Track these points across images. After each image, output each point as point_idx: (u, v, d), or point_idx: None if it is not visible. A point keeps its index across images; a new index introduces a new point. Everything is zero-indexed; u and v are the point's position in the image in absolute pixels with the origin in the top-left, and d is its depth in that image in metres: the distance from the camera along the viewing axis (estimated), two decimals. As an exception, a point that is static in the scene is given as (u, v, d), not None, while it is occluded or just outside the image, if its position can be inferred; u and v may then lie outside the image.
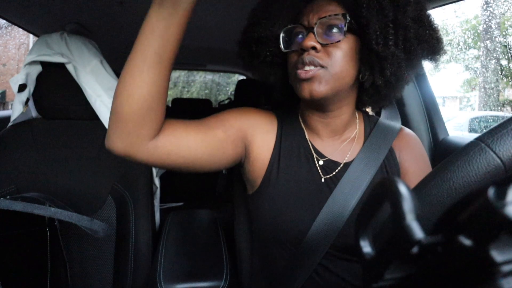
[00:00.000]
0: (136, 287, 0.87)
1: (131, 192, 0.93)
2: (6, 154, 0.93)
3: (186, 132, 0.54)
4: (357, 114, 0.65)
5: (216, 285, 0.71)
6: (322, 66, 0.53)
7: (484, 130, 0.31)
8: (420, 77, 1.05)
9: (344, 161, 0.61)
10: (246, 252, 0.80)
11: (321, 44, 0.53)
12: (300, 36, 0.56)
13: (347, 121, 0.62)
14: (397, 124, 0.66)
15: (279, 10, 0.57)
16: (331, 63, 0.53)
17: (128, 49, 0.46)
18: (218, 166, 0.58)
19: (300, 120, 0.65)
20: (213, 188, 2.18)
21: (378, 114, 0.73)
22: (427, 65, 0.60)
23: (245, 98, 1.93)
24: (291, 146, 0.62)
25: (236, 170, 0.82)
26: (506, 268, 0.18)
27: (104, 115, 0.95)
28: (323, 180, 0.59)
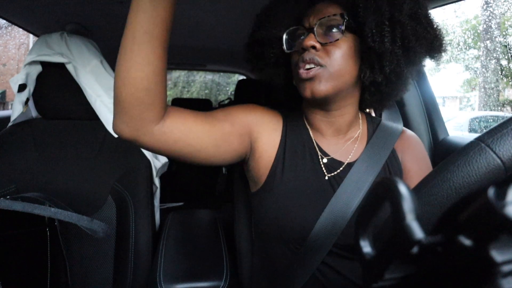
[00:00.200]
0: (136, 287, 0.87)
1: (131, 192, 0.93)
2: (6, 154, 0.93)
3: (195, 121, 0.54)
4: (360, 115, 0.67)
5: (216, 285, 0.71)
6: (321, 65, 0.54)
7: (484, 130, 0.31)
8: (420, 77, 1.05)
9: (347, 161, 0.61)
10: (246, 252, 0.80)
11: (320, 43, 0.55)
12: (302, 37, 0.58)
13: (351, 121, 0.63)
14: (399, 125, 0.67)
15: (282, 13, 0.60)
16: (330, 61, 0.54)
17: (128, 49, 0.46)
18: (222, 160, 0.59)
19: (304, 119, 0.66)
20: (213, 188, 2.18)
21: (380, 116, 0.73)
22: (427, 64, 0.61)
23: (245, 98, 1.93)
24: (296, 144, 0.63)
25: (237, 169, 0.82)
26: (506, 268, 0.18)
27: (104, 115, 0.95)
28: (326, 178, 0.60)
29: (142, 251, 0.90)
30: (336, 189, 0.58)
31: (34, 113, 1.04)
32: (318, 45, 0.54)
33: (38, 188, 0.90)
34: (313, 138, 0.64)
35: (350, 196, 0.56)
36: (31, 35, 1.44)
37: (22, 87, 0.94)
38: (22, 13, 1.11)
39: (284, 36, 0.59)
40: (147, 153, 0.98)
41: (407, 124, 1.05)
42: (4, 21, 1.14)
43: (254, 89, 1.91)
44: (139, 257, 0.89)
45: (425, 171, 0.62)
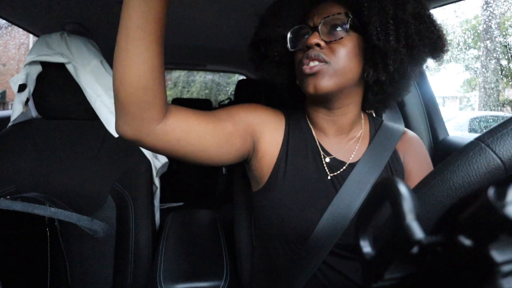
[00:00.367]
0: (136, 287, 0.87)
1: (131, 192, 0.93)
2: (6, 154, 0.93)
3: (197, 120, 0.53)
4: (362, 115, 0.67)
5: (216, 285, 0.71)
6: (326, 62, 0.55)
7: (484, 130, 0.31)
8: (420, 77, 1.05)
9: (349, 161, 0.61)
10: (246, 252, 0.80)
11: (325, 41, 0.55)
12: (306, 36, 0.59)
13: (353, 120, 0.63)
14: (400, 126, 0.68)
15: (286, 12, 0.60)
16: (334, 59, 0.55)
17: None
18: (225, 160, 0.58)
19: (307, 118, 0.67)
20: (213, 188, 2.18)
21: (381, 117, 0.74)
22: (429, 64, 0.61)
23: (245, 98, 1.93)
24: (299, 144, 0.63)
25: (238, 169, 0.82)
26: (506, 268, 0.18)
27: (104, 115, 0.95)
28: (329, 177, 0.60)
29: (142, 251, 0.90)
30: (338, 189, 0.58)
31: (34, 113, 1.04)
32: (322, 43, 0.55)
33: (38, 188, 0.90)
34: (315, 137, 0.64)
35: (352, 196, 0.56)
36: (31, 35, 1.44)
37: (22, 87, 0.94)
38: (22, 13, 1.11)
39: (289, 35, 0.60)
40: (147, 153, 0.98)
41: (407, 124, 1.05)
42: (4, 21, 1.14)
43: (254, 89, 1.91)
44: (139, 257, 0.89)
45: (426, 171, 0.62)
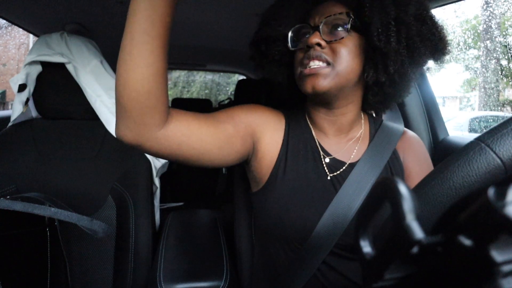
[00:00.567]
0: (136, 287, 0.87)
1: (131, 192, 0.93)
2: (6, 154, 0.93)
3: (198, 123, 0.53)
4: (362, 115, 0.67)
5: (216, 285, 0.71)
6: (328, 62, 0.55)
7: (484, 130, 0.31)
8: (421, 77, 1.05)
9: (349, 161, 0.61)
10: (246, 252, 0.80)
11: (326, 41, 0.55)
12: (307, 35, 0.58)
13: (353, 120, 0.63)
14: (400, 126, 0.67)
15: (287, 11, 0.60)
16: (336, 59, 0.55)
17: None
18: (226, 161, 0.58)
19: (307, 119, 0.67)
20: (213, 188, 2.18)
21: (381, 117, 0.74)
22: (430, 65, 0.61)
23: (245, 98, 1.92)
24: (298, 144, 0.63)
25: (237, 169, 0.82)
26: (506, 268, 0.18)
27: (104, 115, 0.95)
28: (329, 178, 0.60)
29: (142, 251, 0.90)
30: (338, 189, 0.58)
31: (34, 113, 1.04)
32: (323, 43, 0.55)
33: (38, 188, 0.90)
34: (315, 138, 0.64)
35: (352, 196, 0.56)
36: (31, 35, 1.44)
37: (22, 87, 0.94)
38: (22, 13, 1.11)
39: (290, 34, 0.60)
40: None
41: (407, 124, 1.05)
42: (4, 21, 1.14)
43: (254, 89, 1.90)
44: (139, 257, 0.89)
45: (426, 171, 0.62)
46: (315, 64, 0.55)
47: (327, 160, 0.61)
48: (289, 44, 0.60)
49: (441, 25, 0.56)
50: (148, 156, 0.98)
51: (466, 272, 0.20)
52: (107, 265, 0.91)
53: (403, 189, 0.21)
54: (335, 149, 0.63)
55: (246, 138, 0.60)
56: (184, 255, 0.81)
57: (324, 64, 0.55)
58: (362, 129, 0.65)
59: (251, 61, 0.69)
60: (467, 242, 0.19)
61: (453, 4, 0.88)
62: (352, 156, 0.62)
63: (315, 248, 0.56)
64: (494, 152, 0.29)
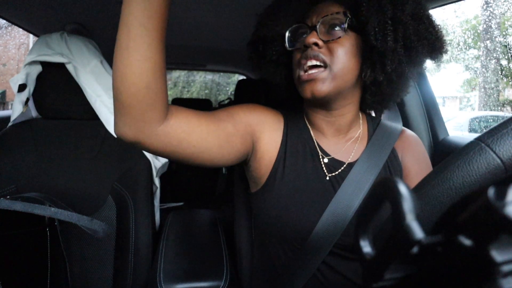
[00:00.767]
0: (136, 287, 0.87)
1: (131, 192, 0.93)
2: (6, 154, 0.93)
3: (198, 121, 0.53)
4: (360, 115, 0.67)
5: (216, 285, 0.71)
6: (325, 63, 0.55)
7: (484, 130, 0.31)
8: (420, 77, 1.05)
9: (348, 161, 0.61)
10: (246, 252, 0.80)
11: (323, 40, 0.55)
12: (304, 35, 0.58)
13: (351, 121, 0.63)
14: (398, 125, 0.67)
15: (284, 12, 0.60)
16: (333, 59, 0.55)
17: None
18: (225, 161, 0.58)
19: (305, 119, 0.66)
20: (213, 188, 2.18)
21: (380, 116, 0.73)
22: (428, 64, 0.61)
23: (245, 98, 1.92)
24: (297, 144, 0.63)
25: (237, 169, 0.82)
26: (506, 268, 0.18)
27: (104, 115, 0.95)
28: (327, 178, 0.60)
29: (142, 251, 0.90)
30: (337, 189, 0.58)
31: (34, 113, 1.04)
32: (320, 42, 0.55)
33: (38, 188, 0.90)
34: (314, 138, 0.64)
35: (351, 196, 0.56)
36: (31, 35, 1.44)
37: (22, 87, 0.94)
38: (22, 13, 1.11)
39: (287, 34, 0.59)
40: (147, 153, 0.98)
41: (407, 124, 1.05)
42: (4, 21, 1.14)
43: (254, 89, 1.91)
44: (139, 257, 0.89)
45: (425, 170, 0.62)
46: (312, 63, 0.55)
47: (325, 160, 0.62)
48: (287, 44, 0.60)
49: (438, 24, 0.56)
50: (148, 156, 0.98)
51: (466, 272, 0.20)
52: (107, 265, 0.91)
53: (403, 189, 0.21)
54: (333, 149, 0.63)
55: (245, 137, 0.60)
56: (184, 255, 0.81)
57: (322, 68, 0.55)
58: (361, 129, 0.65)
59: (249, 61, 0.69)
60: (467, 242, 0.19)
61: (453, 4, 0.88)
62: (350, 156, 0.62)
63: (314, 248, 0.56)
64: (494, 152, 0.29)
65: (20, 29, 1.23)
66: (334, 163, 0.61)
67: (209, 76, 5.88)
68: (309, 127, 0.65)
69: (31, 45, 2.04)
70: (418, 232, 0.20)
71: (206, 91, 6.12)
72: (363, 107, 0.67)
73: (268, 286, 0.66)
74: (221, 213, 1.43)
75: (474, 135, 0.33)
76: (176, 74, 5.93)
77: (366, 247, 0.25)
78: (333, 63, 0.55)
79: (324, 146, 0.63)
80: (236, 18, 1.15)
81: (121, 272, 0.89)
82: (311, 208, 0.57)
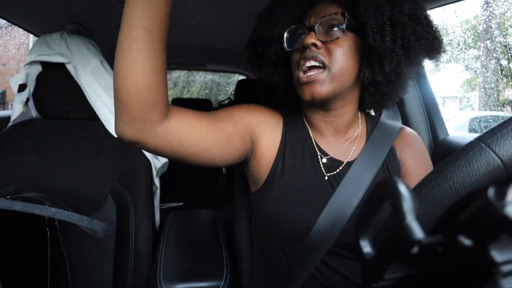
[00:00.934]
0: (136, 287, 0.87)
1: (131, 192, 0.93)
2: (6, 154, 0.93)
3: (199, 121, 0.53)
4: (359, 115, 0.67)
5: (216, 285, 0.71)
6: (323, 64, 0.55)
7: (484, 130, 0.31)
8: (420, 77, 1.05)
9: (347, 160, 0.62)
10: (246, 252, 0.80)
11: (321, 41, 0.55)
12: (303, 36, 0.58)
13: (350, 121, 0.63)
14: (397, 123, 0.67)
15: (283, 12, 0.60)
16: (332, 60, 0.55)
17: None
18: (225, 160, 0.58)
19: (304, 119, 0.67)
20: (213, 188, 2.18)
21: (380, 115, 0.73)
22: (427, 65, 0.61)
23: (245, 98, 1.92)
24: (296, 144, 0.63)
25: (237, 169, 0.82)
26: (506, 268, 0.18)
27: (104, 115, 0.95)
28: (326, 178, 0.60)
29: (142, 251, 0.90)
30: (335, 188, 0.58)
31: (34, 113, 1.04)
32: (319, 43, 0.55)
33: (38, 188, 0.90)
34: (312, 138, 0.64)
35: (349, 195, 0.57)
36: (31, 35, 1.44)
37: (22, 87, 0.94)
38: (22, 13, 1.11)
39: (285, 35, 0.59)
40: (147, 153, 0.98)
41: (407, 124, 1.05)
42: (4, 21, 1.14)
43: (254, 89, 1.91)
44: (139, 257, 0.89)
45: (424, 168, 0.62)
46: (311, 64, 0.55)
47: (324, 160, 0.62)
48: (285, 45, 0.60)
49: (436, 25, 0.56)
50: (148, 156, 0.98)
51: (466, 272, 0.20)
52: (107, 265, 0.91)
53: (403, 189, 0.21)
54: (332, 149, 0.63)
55: (245, 137, 0.60)
56: (184, 255, 0.81)
57: (320, 69, 0.55)
58: (359, 129, 0.65)
59: (248, 61, 0.69)
60: (467, 242, 0.19)
61: (453, 4, 0.88)
62: (349, 156, 0.62)
63: (313, 247, 0.56)
64: (494, 152, 0.29)
65: (20, 29, 1.23)
66: (333, 163, 0.61)
67: (209, 76, 5.88)
68: (308, 127, 0.66)
69: (31, 45, 2.04)
70: (418, 232, 0.20)
71: (206, 91, 6.12)
72: (362, 107, 0.67)
73: (268, 286, 0.66)
74: (221, 213, 1.43)
75: (474, 135, 0.33)
76: (176, 74, 5.94)
77: (366, 247, 0.25)
78: (332, 64, 0.55)
79: (322, 146, 0.63)
80: (236, 18, 1.15)
81: (121, 272, 0.89)
82: (310, 207, 0.58)
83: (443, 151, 1.01)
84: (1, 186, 0.89)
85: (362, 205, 0.26)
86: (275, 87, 0.69)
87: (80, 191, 0.93)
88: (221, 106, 2.56)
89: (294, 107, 0.70)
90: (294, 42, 0.60)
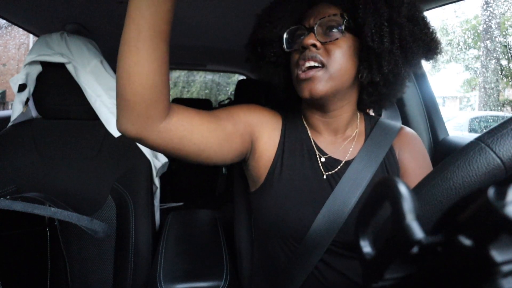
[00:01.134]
0: (136, 287, 0.87)
1: (131, 192, 0.93)
2: (6, 154, 0.93)
3: (200, 119, 0.54)
4: (358, 114, 0.67)
5: (216, 285, 0.71)
6: (322, 63, 0.55)
7: (484, 130, 0.31)
8: (420, 77, 1.05)
9: (345, 159, 0.62)
10: (246, 252, 0.80)
11: (321, 42, 0.56)
12: (302, 36, 0.59)
13: (348, 120, 0.64)
14: (397, 123, 0.68)
15: (282, 13, 0.61)
16: (330, 61, 0.55)
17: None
18: (224, 159, 0.59)
19: (303, 119, 0.67)
20: (213, 188, 2.18)
21: (379, 115, 0.74)
22: (427, 65, 0.62)
23: (245, 98, 1.93)
24: (295, 144, 0.64)
25: (237, 169, 0.82)
26: (506, 268, 0.18)
27: (104, 115, 0.95)
28: (324, 177, 0.61)
29: (142, 251, 0.90)
30: (334, 187, 0.58)
31: (34, 113, 1.04)
32: (318, 44, 0.55)
33: (38, 188, 0.90)
34: (311, 137, 0.65)
35: (347, 194, 0.57)
36: (31, 35, 1.44)
37: (22, 87, 0.94)
38: (22, 13, 1.11)
39: (285, 35, 0.60)
40: (147, 153, 0.98)
41: (407, 124, 1.05)
42: (4, 21, 1.14)
43: (254, 89, 1.91)
44: (139, 257, 0.89)
45: (423, 167, 0.63)
46: (310, 64, 0.55)
47: (322, 159, 0.62)
48: (284, 46, 0.60)
49: (433, 26, 0.57)
50: (148, 156, 0.98)
51: (466, 272, 0.20)
52: (107, 265, 0.91)
53: (403, 189, 0.21)
54: (331, 148, 0.64)
55: (245, 137, 0.61)
56: (184, 255, 0.81)
57: (319, 67, 0.55)
58: (358, 129, 0.66)
59: (247, 62, 0.69)
60: (467, 242, 0.19)
61: (453, 4, 0.88)
62: (347, 155, 0.63)
63: (312, 246, 0.57)
64: (494, 152, 0.29)
65: (20, 29, 1.23)
66: (331, 162, 0.62)
67: (209, 76, 5.88)
68: (307, 127, 0.66)
69: (31, 45, 2.04)
70: (418, 232, 0.20)
71: (206, 91, 6.11)
72: (360, 107, 0.67)
73: (268, 285, 0.66)
74: (221, 213, 1.43)
75: (474, 135, 0.33)
76: (176, 74, 5.93)
77: (366, 247, 0.25)
78: (330, 64, 0.55)
79: (321, 145, 0.64)
80: (236, 18, 1.15)
81: (121, 272, 0.89)
82: (308, 207, 0.58)
83: (443, 151, 1.01)
84: (1, 186, 0.89)
85: (362, 205, 0.26)
86: (275, 87, 0.69)
87: (80, 191, 0.93)
88: (221, 106, 2.56)
89: (294, 107, 0.70)
90: (293, 42, 0.60)
